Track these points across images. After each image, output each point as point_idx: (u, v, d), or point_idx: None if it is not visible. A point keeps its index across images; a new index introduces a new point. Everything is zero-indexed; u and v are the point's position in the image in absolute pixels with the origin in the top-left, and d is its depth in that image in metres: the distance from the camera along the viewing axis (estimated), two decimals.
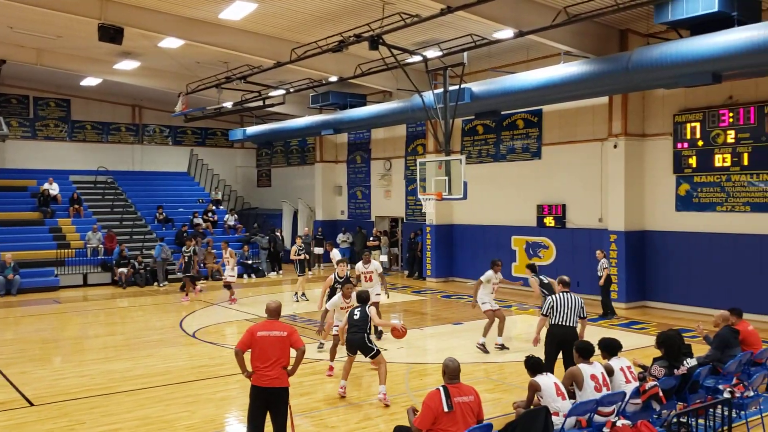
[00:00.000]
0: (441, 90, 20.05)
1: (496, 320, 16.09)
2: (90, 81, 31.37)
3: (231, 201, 39.70)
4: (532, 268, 17.72)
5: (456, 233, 28.35)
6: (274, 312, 9.23)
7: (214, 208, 35.21)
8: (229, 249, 23.96)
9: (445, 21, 18.86)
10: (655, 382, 9.33)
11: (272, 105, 27.90)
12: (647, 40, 19.44)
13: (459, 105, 19.67)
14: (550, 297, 12.02)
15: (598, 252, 20.52)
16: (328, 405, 11.84)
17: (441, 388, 7.74)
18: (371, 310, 12.25)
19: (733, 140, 19.38)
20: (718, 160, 19.72)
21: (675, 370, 9.83)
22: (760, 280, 18.95)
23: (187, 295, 24.20)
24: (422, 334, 18.27)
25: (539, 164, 24.87)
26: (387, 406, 11.48)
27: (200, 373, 14.16)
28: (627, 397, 9.01)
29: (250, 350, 8.94)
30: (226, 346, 16.49)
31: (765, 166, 18.80)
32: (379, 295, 16.74)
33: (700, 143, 20.08)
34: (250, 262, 31.04)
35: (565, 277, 12.39)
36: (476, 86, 21.66)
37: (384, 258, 30.74)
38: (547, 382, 8.83)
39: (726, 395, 9.78)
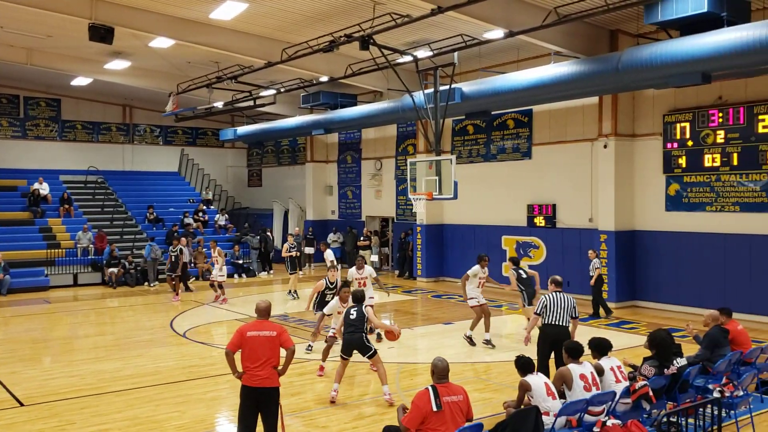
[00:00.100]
0: (431, 90, 20.06)
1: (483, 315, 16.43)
2: (80, 81, 31.27)
3: (222, 201, 39.64)
4: (514, 261, 17.98)
5: (446, 233, 28.38)
6: (263, 312, 9.20)
7: (204, 207, 35.16)
8: (218, 248, 23.94)
9: (435, 21, 18.88)
10: (645, 382, 9.36)
11: (263, 105, 27.87)
12: (637, 41, 19.49)
13: (449, 105, 19.68)
14: (543, 296, 12.01)
15: (590, 252, 20.57)
16: (319, 405, 11.84)
17: (430, 388, 7.75)
18: (368, 310, 12.24)
19: (722, 140, 19.46)
20: (708, 160, 19.80)
21: (665, 370, 9.87)
22: (750, 279, 19.04)
23: (177, 294, 24.13)
24: (413, 334, 18.28)
25: (529, 164, 24.91)
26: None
27: (191, 373, 14.14)
28: (617, 396, 9.03)
29: (240, 350, 8.92)
30: (217, 346, 16.48)
31: (754, 166, 18.88)
32: (372, 298, 16.71)
33: (690, 143, 20.15)
34: (240, 261, 30.99)
35: (558, 277, 12.41)
36: (467, 86, 21.69)
37: (375, 258, 30.77)
38: (538, 381, 8.85)
39: (716, 395, 9.83)
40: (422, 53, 20.13)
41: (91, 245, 29.21)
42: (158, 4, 20.10)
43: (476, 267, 16.51)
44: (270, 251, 32.44)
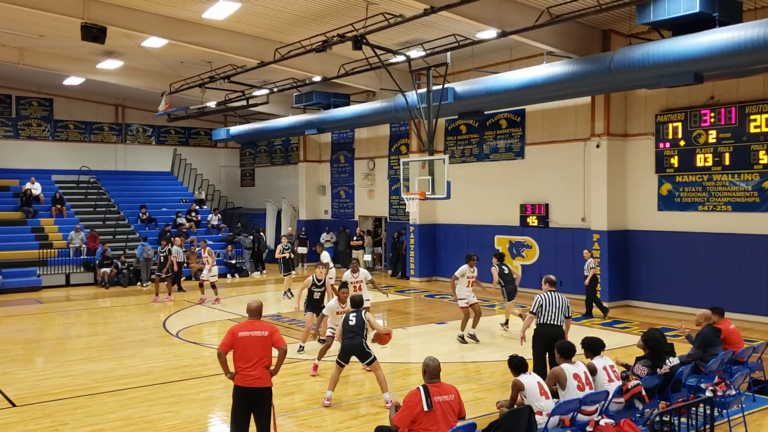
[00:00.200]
0: (424, 90, 20.05)
1: (473, 314, 16.72)
2: (73, 80, 31.16)
3: (214, 201, 39.56)
4: (499, 257, 18.12)
5: (439, 233, 28.40)
6: (255, 312, 9.18)
7: (197, 207, 35.12)
8: (208, 248, 23.87)
9: (428, 21, 18.88)
10: (637, 381, 9.40)
11: (256, 105, 27.83)
12: (629, 41, 19.54)
13: (442, 105, 19.69)
14: (538, 296, 12.01)
15: (585, 251, 20.58)
16: (312, 405, 11.83)
17: (421, 388, 7.77)
18: (368, 316, 12.20)
19: (714, 140, 19.51)
20: (700, 160, 19.85)
21: (657, 369, 9.90)
22: (742, 279, 19.11)
23: (169, 294, 24.10)
24: (406, 334, 18.31)
25: (522, 164, 24.95)
26: None
27: (183, 373, 14.13)
28: (610, 396, 9.06)
29: (232, 351, 8.91)
30: (210, 346, 16.46)
31: (746, 166, 18.94)
32: (368, 300, 16.69)
33: (682, 143, 20.20)
34: (233, 261, 30.98)
35: (552, 277, 12.40)
36: (459, 86, 21.70)
37: (368, 257, 30.78)
38: (531, 381, 8.86)
39: (708, 394, 9.86)
40: (415, 53, 20.14)
41: (84, 245, 29.16)
42: (151, 4, 20.06)
43: (464, 267, 16.83)
44: (263, 251, 32.43)
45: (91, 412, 11.51)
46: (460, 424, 7.66)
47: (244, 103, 27.51)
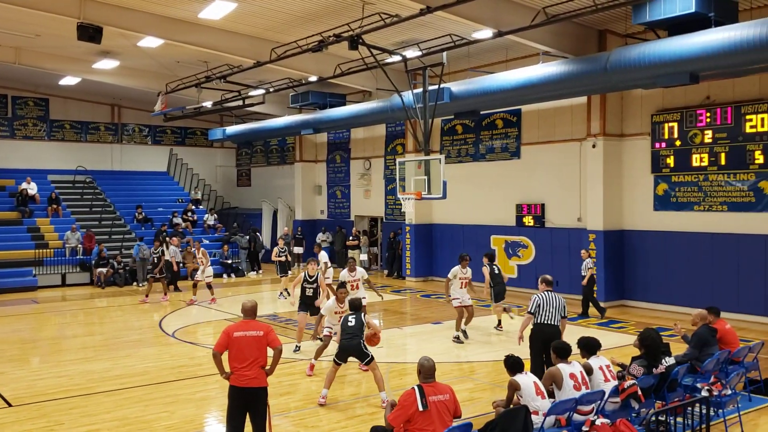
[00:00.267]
0: (420, 90, 20.07)
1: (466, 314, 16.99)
2: (69, 80, 31.15)
3: (211, 200, 39.56)
4: (490, 257, 18.19)
5: (435, 233, 28.41)
6: (250, 311, 9.16)
7: (193, 207, 35.09)
8: (202, 249, 23.76)
9: (424, 21, 18.89)
10: (633, 381, 9.40)
11: (252, 105, 27.84)
12: (625, 41, 19.55)
13: (438, 105, 19.70)
14: (536, 295, 12.00)
15: (582, 252, 20.57)
16: (308, 405, 11.83)
17: (416, 388, 7.77)
18: (368, 318, 12.20)
19: (710, 140, 19.53)
20: (696, 160, 19.87)
21: (653, 369, 9.91)
22: (738, 279, 19.14)
23: (166, 294, 24.07)
24: (402, 334, 18.32)
25: (518, 164, 24.96)
26: None
27: (180, 373, 14.12)
28: (606, 395, 9.07)
29: (227, 351, 8.89)
30: (206, 346, 16.44)
31: (742, 166, 18.97)
32: (365, 298, 16.63)
33: (678, 143, 20.22)
34: (229, 261, 30.96)
35: (548, 276, 12.39)
36: (455, 86, 21.71)
37: (364, 257, 30.78)
38: (527, 381, 8.87)
39: (704, 394, 9.87)
40: (411, 53, 20.14)
41: (80, 245, 29.12)
42: (147, 4, 20.05)
43: (455, 268, 17.05)
44: (259, 251, 32.41)
45: (87, 412, 11.49)
46: (456, 423, 7.67)
47: (240, 103, 27.51)
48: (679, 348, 12.16)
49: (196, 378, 13.65)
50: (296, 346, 15.64)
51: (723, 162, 19.32)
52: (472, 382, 13.37)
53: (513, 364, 9.07)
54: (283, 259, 24.14)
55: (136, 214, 32.90)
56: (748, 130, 18.77)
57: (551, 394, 9.07)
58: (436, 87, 19.51)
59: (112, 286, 27.62)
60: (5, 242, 28.21)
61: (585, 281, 20.01)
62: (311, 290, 15.67)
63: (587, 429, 8.64)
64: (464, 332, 16.93)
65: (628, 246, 21.76)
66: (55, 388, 12.97)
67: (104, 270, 27.76)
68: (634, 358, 10.38)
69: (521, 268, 24.67)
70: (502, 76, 20.54)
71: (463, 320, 16.91)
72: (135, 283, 27.84)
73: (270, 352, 8.97)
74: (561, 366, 9.13)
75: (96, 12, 19.73)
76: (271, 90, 26.20)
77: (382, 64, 19.87)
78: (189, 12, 20.38)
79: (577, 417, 8.73)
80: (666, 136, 20.48)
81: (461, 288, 16.93)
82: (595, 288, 20.87)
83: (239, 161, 42.14)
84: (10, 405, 11.95)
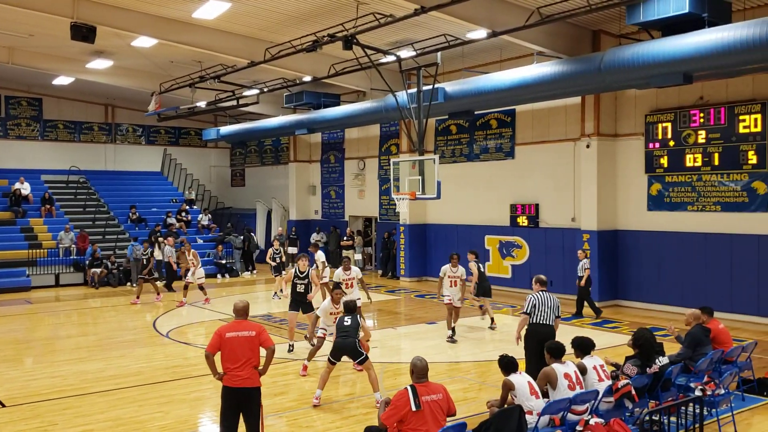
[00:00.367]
0: (414, 90, 20.05)
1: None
2: (62, 80, 31.07)
3: (205, 201, 39.47)
4: (476, 254, 18.31)
5: (430, 233, 28.42)
6: (241, 312, 9.13)
7: (187, 207, 35.04)
8: (193, 251, 23.56)
9: (418, 21, 18.90)
10: (627, 381, 9.43)
11: (246, 105, 27.79)
12: (619, 41, 19.60)
13: (432, 105, 19.69)
14: (531, 295, 12.00)
15: (579, 252, 20.56)
16: (302, 405, 11.82)
17: (409, 388, 7.78)
18: (362, 321, 12.20)
19: (703, 140, 19.57)
20: (689, 160, 19.91)
21: (647, 369, 9.94)
22: (731, 279, 19.19)
23: (158, 294, 24.01)
24: (396, 334, 18.33)
25: (512, 164, 24.98)
26: None
27: (174, 373, 14.11)
28: (600, 395, 9.08)
29: (220, 352, 8.86)
30: (200, 346, 16.42)
31: (735, 166, 19.01)
32: (360, 299, 16.68)
33: (672, 143, 20.26)
34: (224, 261, 30.93)
35: (542, 276, 12.40)
36: (450, 86, 21.72)
37: (358, 257, 30.77)
38: (521, 380, 8.88)
39: (697, 393, 9.89)
40: (405, 53, 20.14)
41: (73, 245, 29.08)
42: (141, 4, 20.02)
43: (445, 266, 17.32)
44: (253, 251, 32.39)
45: (81, 412, 11.48)
46: (450, 423, 7.67)
47: (234, 103, 27.47)
48: (672, 348, 12.19)
49: (191, 378, 13.64)
50: (289, 345, 15.61)
51: (716, 162, 19.36)
52: (466, 382, 13.39)
53: (507, 364, 9.08)
54: (277, 261, 24.11)
55: (130, 214, 32.84)
56: (741, 130, 18.81)
57: (545, 394, 9.08)
58: (430, 87, 19.52)
59: (105, 286, 27.57)
60: None
61: (583, 282, 19.95)
62: (302, 287, 15.53)
63: (581, 428, 8.65)
64: (453, 331, 17.01)
65: (622, 246, 21.80)
66: (49, 389, 12.94)
67: (98, 270, 27.70)
68: (627, 358, 10.41)
69: (515, 268, 24.70)
70: (497, 77, 20.55)
71: (452, 319, 17.04)
72: (129, 284, 27.77)
73: (263, 352, 8.96)
74: (556, 366, 9.15)
75: (89, 12, 19.68)
76: (265, 90, 26.17)
77: (377, 64, 19.87)
78: (183, 12, 20.36)
79: (571, 416, 8.75)
80: (660, 137, 20.52)
81: (451, 287, 17.04)
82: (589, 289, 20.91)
83: (233, 161, 42.10)
84: (3, 405, 11.92)
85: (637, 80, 17.48)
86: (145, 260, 24.49)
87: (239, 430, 8.88)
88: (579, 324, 18.75)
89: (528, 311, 11.87)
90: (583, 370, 9.34)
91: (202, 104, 28.23)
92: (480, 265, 18.32)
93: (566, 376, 9.01)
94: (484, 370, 14.10)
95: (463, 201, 26.42)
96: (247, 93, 26.64)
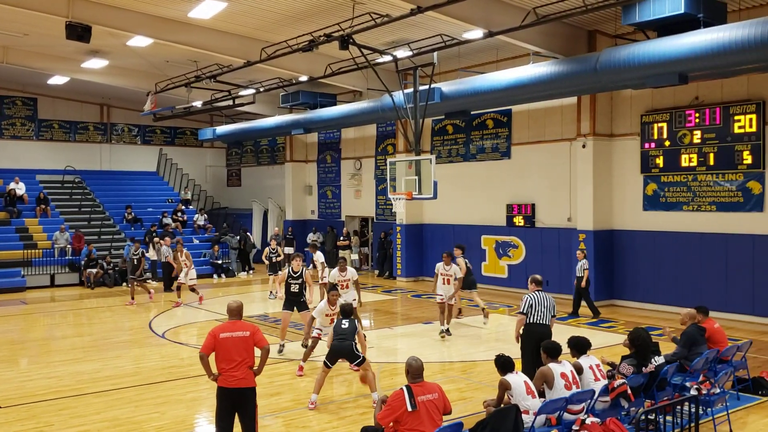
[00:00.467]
0: (411, 90, 20.09)
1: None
2: (57, 79, 31.01)
3: (201, 201, 39.43)
4: (463, 249, 18.40)
5: (426, 233, 28.42)
6: (235, 312, 9.12)
7: (183, 207, 35.00)
8: (185, 251, 23.26)
9: (415, 21, 18.90)
10: (623, 380, 9.44)
11: (242, 104, 27.79)
12: (615, 41, 19.62)
13: (429, 105, 19.71)
14: (527, 295, 12.01)
15: (578, 252, 20.54)
16: (298, 405, 11.82)
17: (404, 388, 7.79)
18: (360, 326, 12.19)
19: (699, 140, 19.60)
20: (685, 160, 19.94)
21: (643, 368, 9.95)
22: (726, 278, 19.22)
23: (150, 292, 23.99)
24: (392, 334, 18.33)
25: (509, 164, 24.99)
26: None
27: (170, 373, 14.09)
28: (596, 395, 9.10)
29: (214, 352, 8.84)
30: (196, 346, 16.39)
31: (730, 166, 19.04)
32: (355, 300, 16.67)
33: (667, 143, 20.29)
34: (220, 262, 30.90)
35: (538, 276, 12.41)
36: (446, 86, 21.73)
37: (355, 257, 30.79)
38: (517, 380, 8.89)
39: (693, 392, 9.91)
40: (402, 53, 20.14)
41: (69, 245, 29.03)
42: (136, 3, 20.00)
43: (438, 264, 17.47)
44: (249, 251, 32.36)
45: (77, 413, 11.46)
46: (446, 423, 7.68)
47: (230, 102, 27.46)
48: (668, 347, 12.20)
49: (187, 379, 13.62)
50: (279, 346, 15.54)
51: (712, 162, 19.39)
52: (462, 381, 13.38)
53: (504, 364, 9.09)
54: (273, 260, 24.08)
55: (126, 214, 32.80)
56: (736, 130, 18.84)
57: (542, 394, 9.09)
58: (426, 87, 19.52)
59: (101, 286, 27.53)
60: None
61: (583, 282, 19.91)
62: (296, 286, 15.49)
63: (577, 428, 8.66)
64: (447, 330, 17.07)
65: (618, 246, 21.81)
66: (45, 389, 12.92)
67: (94, 271, 27.65)
68: (623, 357, 10.43)
69: (511, 268, 24.71)
70: (493, 77, 20.57)
71: (444, 317, 17.09)
72: (125, 284, 27.71)
73: (257, 352, 8.95)
74: (552, 366, 9.16)
75: (85, 11, 19.66)
76: (261, 90, 26.16)
77: (373, 64, 19.87)
78: (178, 11, 20.34)
79: (567, 416, 8.76)
80: (655, 137, 20.54)
81: (444, 284, 17.11)
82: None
83: (229, 161, 42.06)
84: None
85: (633, 80, 17.50)
86: (135, 260, 24.35)
87: (235, 431, 8.87)
88: (575, 323, 18.76)
89: (524, 311, 11.88)
90: (579, 370, 9.36)
91: (197, 104, 28.21)
92: (467, 260, 18.36)
93: (563, 375, 9.03)
94: (480, 370, 14.10)
95: (459, 201, 26.43)
96: (243, 93, 26.63)
